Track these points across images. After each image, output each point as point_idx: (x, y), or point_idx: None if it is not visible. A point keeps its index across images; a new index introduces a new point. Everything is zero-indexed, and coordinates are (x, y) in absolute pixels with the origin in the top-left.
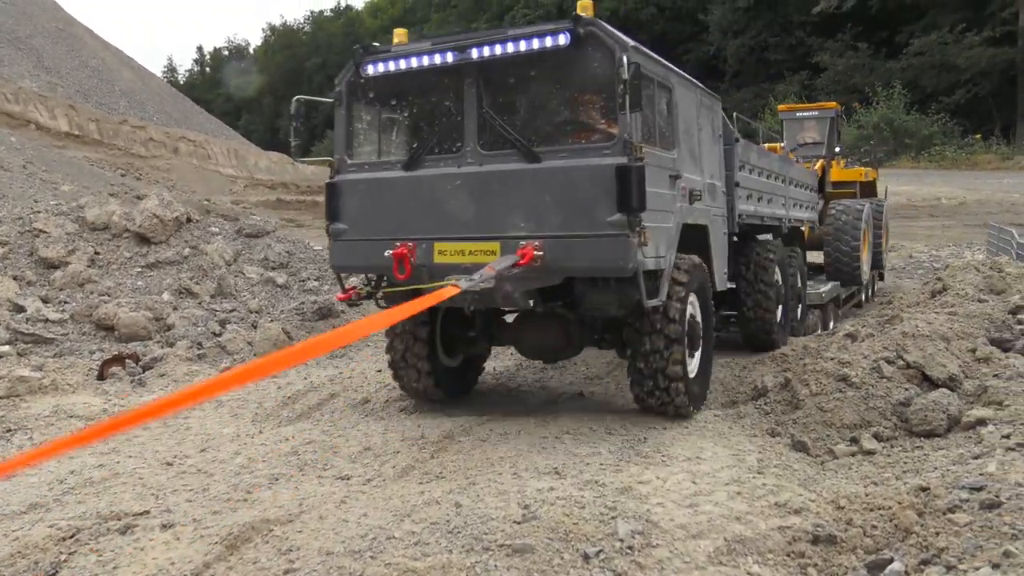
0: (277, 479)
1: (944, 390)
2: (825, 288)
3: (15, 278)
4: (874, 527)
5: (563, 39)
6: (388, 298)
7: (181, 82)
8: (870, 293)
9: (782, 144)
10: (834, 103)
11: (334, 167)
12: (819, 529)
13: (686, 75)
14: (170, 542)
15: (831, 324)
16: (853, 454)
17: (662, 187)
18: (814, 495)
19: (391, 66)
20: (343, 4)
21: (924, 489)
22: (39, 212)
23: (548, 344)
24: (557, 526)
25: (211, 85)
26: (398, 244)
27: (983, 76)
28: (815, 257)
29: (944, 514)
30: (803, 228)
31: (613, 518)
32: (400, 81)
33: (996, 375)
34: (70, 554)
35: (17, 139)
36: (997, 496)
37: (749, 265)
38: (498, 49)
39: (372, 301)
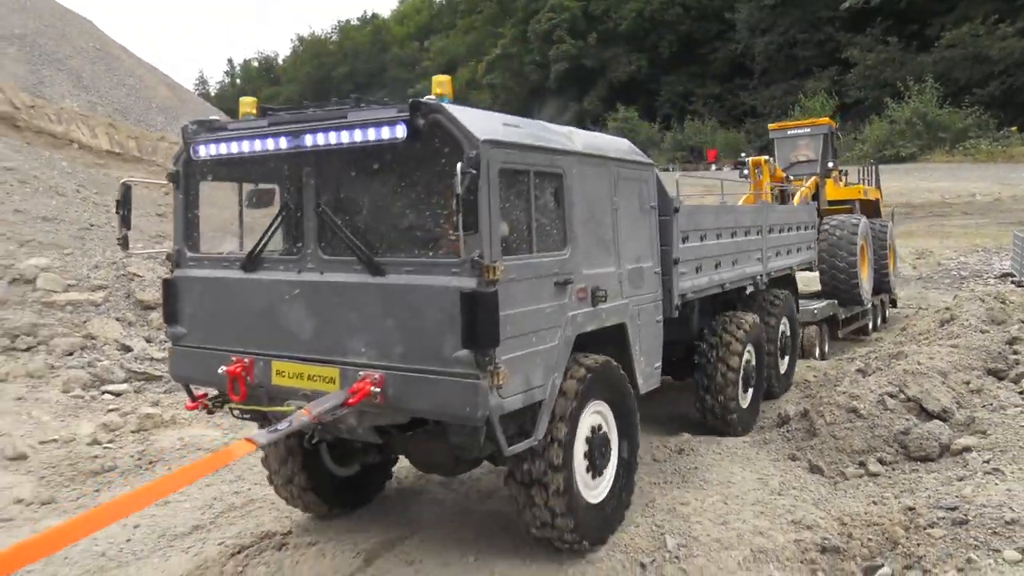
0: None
1: (937, 421)
2: (819, 305)
3: (118, 319)
4: (870, 539)
5: (399, 131)
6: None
7: (212, 94)
8: (879, 320)
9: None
10: (827, 119)
11: (172, 260)
12: (826, 541)
13: (600, 146)
14: (318, 556)
15: (826, 347)
16: (860, 476)
17: (540, 301)
18: (824, 513)
19: (223, 148)
20: (370, 12)
21: (911, 509)
22: (92, 227)
23: (439, 459)
24: (618, 541)
25: (241, 96)
26: (234, 359)
27: (1017, 67)
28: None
29: (924, 529)
30: (794, 273)
31: (663, 534)
32: (236, 165)
33: (984, 406)
34: (244, 567)
35: (68, 163)
36: (966, 515)
37: (710, 342)
38: (332, 137)
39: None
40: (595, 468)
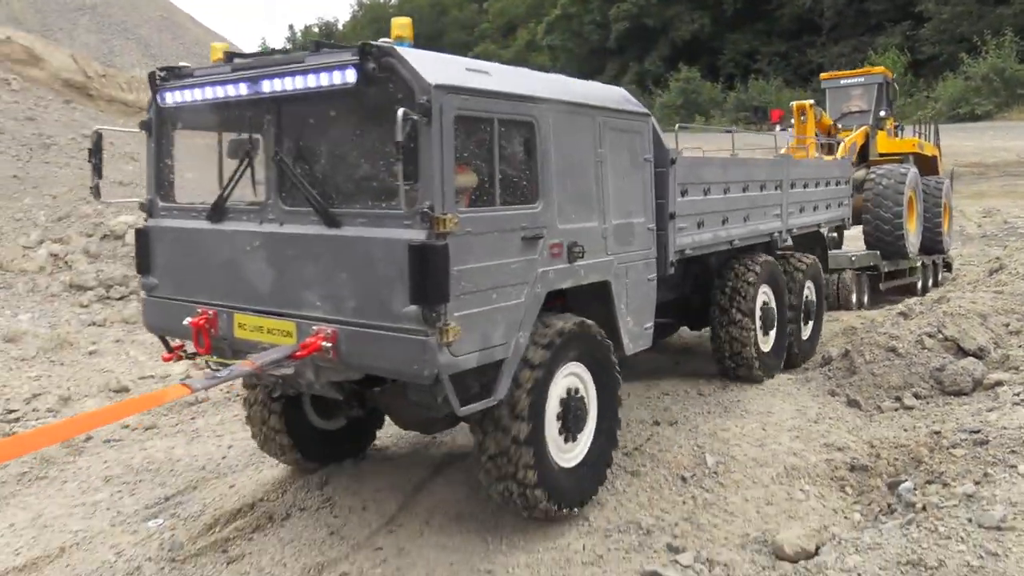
0: None
1: (972, 358)
2: (857, 253)
3: None
4: (896, 459)
5: (349, 76)
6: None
7: None
8: (930, 283)
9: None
10: (882, 68)
11: (145, 209)
12: (855, 461)
13: (584, 95)
14: (391, 467)
15: (864, 297)
16: (896, 409)
17: (504, 255)
18: (856, 438)
19: (188, 95)
20: (331, 18)
21: (937, 433)
22: (108, 205)
23: (410, 416)
24: (662, 458)
25: None
26: (199, 311)
27: None
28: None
29: (947, 449)
30: (823, 230)
31: (703, 453)
32: (202, 113)
33: (1021, 346)
34: (329, 476)
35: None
36: (987, 436)
37: (724, 289)
38: (288, 83)
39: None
40: (569, 432)
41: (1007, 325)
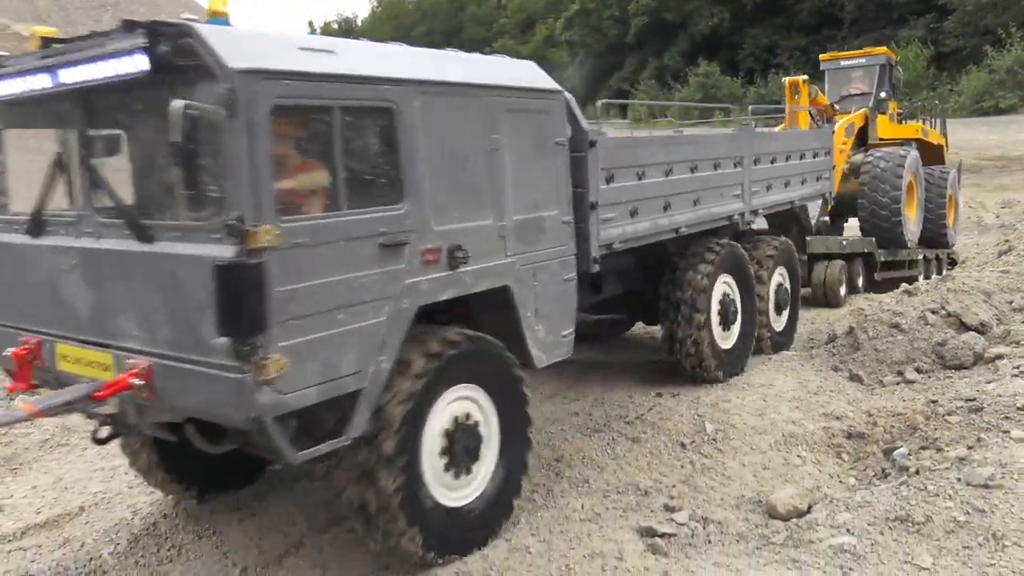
0: None
1: (973, 333)
2: (849, 238)
3: None
4: (893, 427)
5: (140, 63)
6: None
7: None
8: (932, 277)
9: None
10: (884, 49)
11: None
12: (852, 429)
13: (469, 72)
14: None
15: (859, 282)
16: (897, 383)
17: (354, 268)
18: (854, 408)
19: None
20: (350, 15)
21: (933, 401)
22: None
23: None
24: (662, 426)
25: None
26: (22, 339)
27: None
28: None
29: (943, 417)
30: (802, 206)
31: (703, 422)
32: (17, 109)
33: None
34: None
35: None
36: (981, 404)
37: (675, 281)
38: (82, 72)
39: None
40: (460, 466)
41: (1011, 302)
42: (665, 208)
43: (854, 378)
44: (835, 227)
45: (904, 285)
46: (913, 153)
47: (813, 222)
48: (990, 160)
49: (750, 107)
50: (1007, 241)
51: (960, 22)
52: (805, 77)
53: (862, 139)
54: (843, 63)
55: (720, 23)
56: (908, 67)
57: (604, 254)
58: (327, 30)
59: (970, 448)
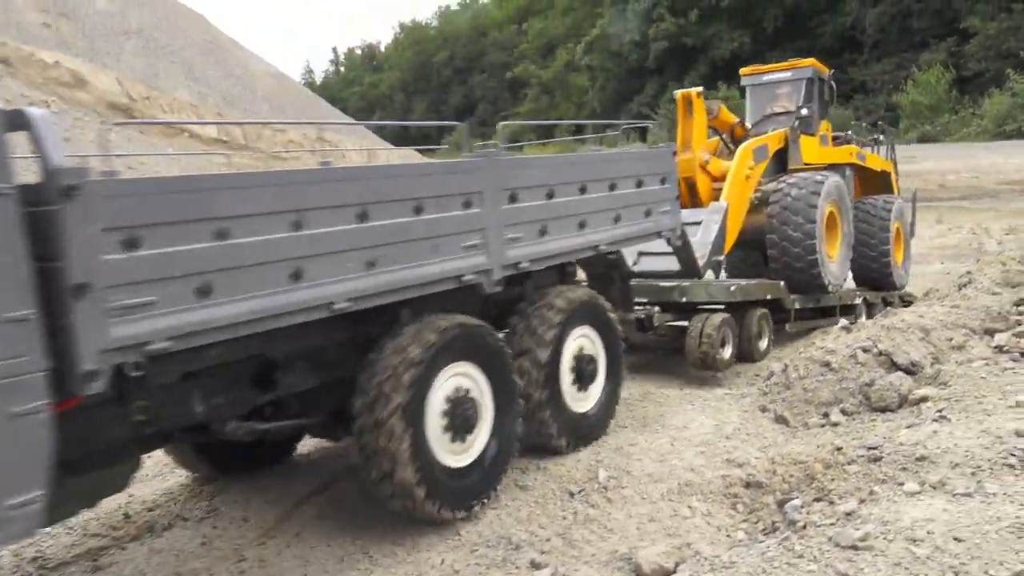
0: None
1: (901, 373)
2: (744, 282)
3: None
4: (792, 476)
5: None
6: None
7: (318, 83)
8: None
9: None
10: (811, 60)
11: None
12: (751, 477)
13: None
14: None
15: (763, 342)
16: (822, 426)
17: None
18: (761, 455)
19: None
20: (375, 42)
21: (839, 449)
22: None
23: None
24: (554, 471)
25: (345, 84)
26: None
27: None
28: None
29: (844, 466)
30: (610, 253)
31: (598, 468)
32: None
33: (960, 361)
34: None
35: (174, 148)
36: (882, 453)
37: (364, 380)
38: None
39: None
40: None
41: (951, 340)
42: (295, 276)
43: (780, 420)
44: (750, 266)
45: (844, 321)
46: (833, 179)
47: (702, 262)
48: (1010, 184)
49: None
50: (969, 273)
51: (982, 46)
52: (699, 89)
53: (783, 164)
54: (765, 78)
55: (740, 47)
56: (929, 90)
57: (137, 362)
58: (350, 57)
59: (861, 502)
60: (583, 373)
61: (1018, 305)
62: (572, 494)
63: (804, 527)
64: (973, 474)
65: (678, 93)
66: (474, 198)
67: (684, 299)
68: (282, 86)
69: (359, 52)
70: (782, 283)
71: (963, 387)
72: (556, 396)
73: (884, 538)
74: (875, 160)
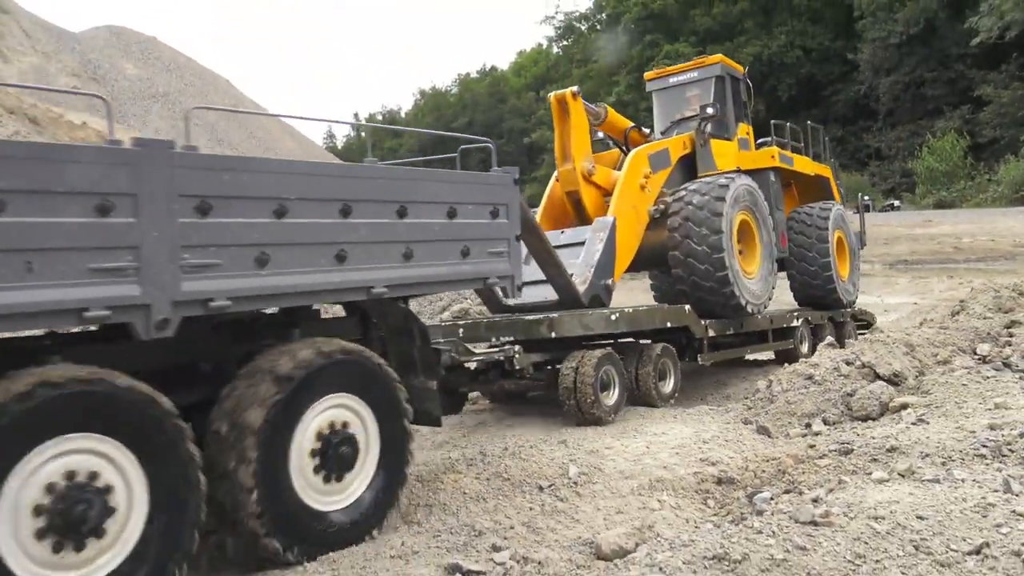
0: None
1: (882, 383)
2: (632, 308)
3: None
4: (763, 471)
5: None
6: None
7: (339, 147)
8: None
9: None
10: (720, 56)
11: None
12: (724, 474)
13: None
14: None
15: (668, 383)
16: (804, 435)
17: None
18: (736, 455)
19: None
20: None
21: (812, 446)
22: None
23: None
24: (528, 468)
25: (365, 149)
26: None
27: None
28: None
29: (815, 460)
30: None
31: (569, 465)
32: None
33: (944, 373)
34: None
35: None
36: (852, 446)
37: None
38: None
39: None
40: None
41: (936, 355)
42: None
43: (762, 431)
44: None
45: (828, 339)
46: (740, 182)
47: (583, 287)
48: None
49: None
50: (962, 302)
51: (996, 113)
52: (574, 89)
53: (692, 171)
54: (672, 80)
55: (756, 114)
56: (945, 157)
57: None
58: (371, 120)
59: (830, 491)
60: (334, 459)
61: (1008, 327)
62: (541, 488)
63: (771, 515)
64: (943, 463)
65: (551, 96)
66: (121, 201)
67: (553, 334)
68: (302, 147)
69: (380, 117)
70: (687, 307)
71: (944, 394)
72: (278, 488)
73: (845, 515)
74: (805, 163)
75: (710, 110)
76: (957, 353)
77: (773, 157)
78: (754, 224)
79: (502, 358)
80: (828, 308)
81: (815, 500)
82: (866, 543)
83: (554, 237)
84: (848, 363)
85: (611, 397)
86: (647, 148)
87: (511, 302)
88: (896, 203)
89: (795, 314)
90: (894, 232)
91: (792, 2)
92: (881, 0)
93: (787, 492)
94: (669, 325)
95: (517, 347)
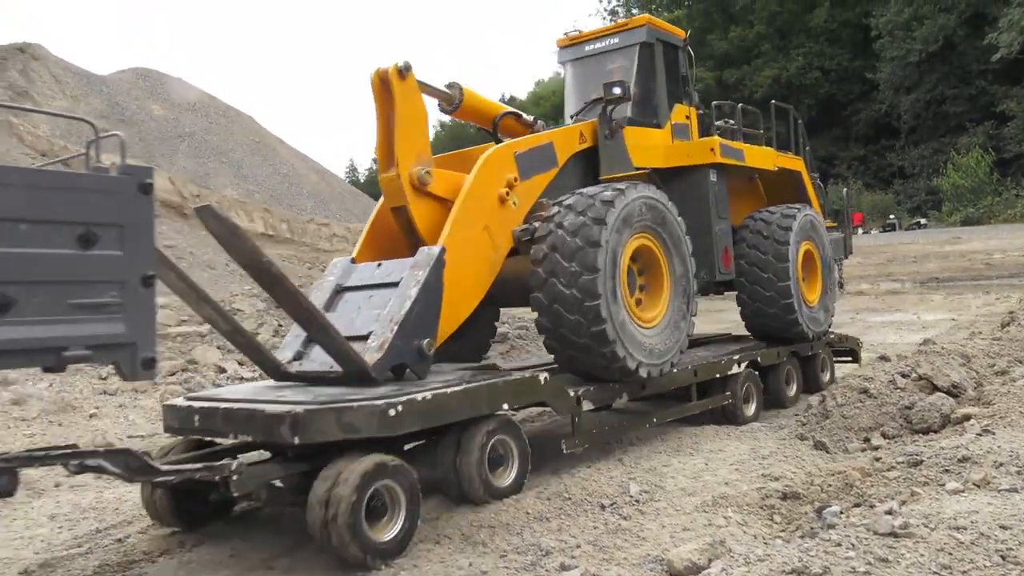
0: None
1: (941, 394)
2: (425, 394)
3: (219, 347)
4: (830, 486)
5: None
6: None
7: (362, 180)
8: (789, 393)
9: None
10: (647, 17)
11: None
12: (788, 489)
13: None
14: None
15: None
16: (863, 450)
17: None
18: (798, 470)
19: None
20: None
21: (877, 459)
22: (237, 295)
23: None
24: (587, 487)
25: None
26: None
27: None
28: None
29: (883, 472)
30: None
31: (629, 483)
32: None
33: (1003, 383)
34: None
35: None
36: (922, 458)
37: None
38: None
39: None
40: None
41: (993, 366)
42: None
43: (818, 446)
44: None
45: (881, 351)
46: (635, 193)
47: (378, 354)
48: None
49: None
50: (1011, 313)
51: (1020, 128)
52: (404, 63)
53: (595, 173)
54: (588, 48)
55: (776, 137)
56: (970, 173)
57: None
58: None
59: (903, 503)
60: None
61: None
62: (603, 506)
63: (844, 528)
64: (1019, 472)
65: (373, 73)
66: None
67: (297, 439)
68: (326, 182)
69: None
70: (542, 376)
71: (1007, 404)
72: None
73: (925, 527)
74: (763, 156)
75: (616, 89)
76: (1015, 364)
77: (712, 150)
78: (659, 251)
79: (216, 479)
80: (787, 341)
81: (889, 512)
82: (950, 554)
83: (367, 274)
84: (904, 376)
85: (389, 528)
86: (510, 146)
87: (293, 369)
88: (923, 221)
89: (732, 357)
90: (923, 250)
91: (808, 24)
92: (898, 20)
93: (857, 505)
94: (507, 408)
95: (237, 460)
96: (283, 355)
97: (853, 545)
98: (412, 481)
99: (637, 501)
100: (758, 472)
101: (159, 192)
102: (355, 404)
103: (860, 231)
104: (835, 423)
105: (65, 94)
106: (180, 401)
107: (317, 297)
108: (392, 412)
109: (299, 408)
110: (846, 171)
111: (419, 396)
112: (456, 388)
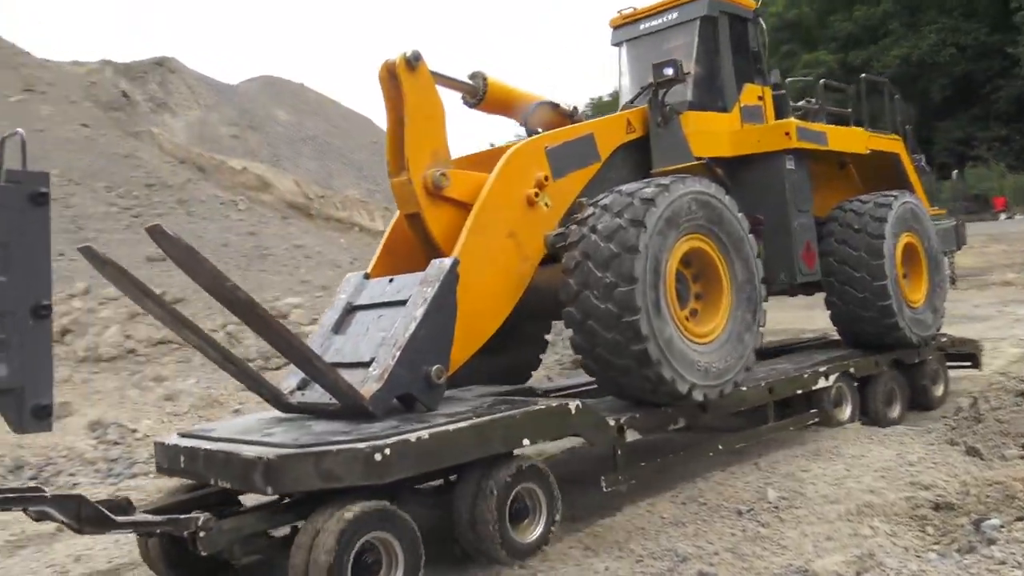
0: None
1: None
2: (421, 434)
3: None
4: (988, 496)
5: None
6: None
7: None
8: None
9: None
10: None
11: None
12: (940, 499)
13: None
14: None
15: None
16: (1021, 457)
17: None
18: (951, 478)
19: None
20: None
21: None
22: None
23: None
24: (723, 492)
25: None
26: None
27: None
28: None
29: None
30: None
31: (767, 489)
32: None
33: None
34: None
35: (346, 240)
36: None
37: None
38: None
39: None
40: None
41: None
42: None
43: (972, 452)
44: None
45: None
46: (682, 189)
47: (378, 384)
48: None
49: None
50: None
51: None
52: (413, 52)
53: (646, 166)
54: (643, 26)
55: (907, 119)
56: None
57: None
58: None
59: None
60: None
61: None
62: (740, 512)
63: (1007, 544)
64: None
65: (382, 65)
66: None
67: (270, 488)
68: None
69: None
70: (573, 405)
71: None
72: None
73: None
74: (850, 138)
75: (668, 70)
76: None
77: (788, 134)
78: (715, 255)
79: (183, 533)
80: (886, 348)
81: None
82: None
83: (378, 290)
84: None
85: None
86: (543, 139)
87: (294, 400)
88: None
89: (818, 368)
90: None
91: None
92: None
93: (1020, 519)
94: (527, 443)
95: (205, 515)
96: (287, 384)
97: (1020, 563)
98: (409, 531)
99: (776, 508)
100: (906, 479)
101: (286, 194)
102: (335, 448)
103: (1003, 216)
104: (989, 428)
105: (199, 104)
106: (172, 438)
107: (328, 318)
108: (378, 457)
109: (272, 453)
110: (986, 152)
111: (413, 436)
112: (462, 424)
